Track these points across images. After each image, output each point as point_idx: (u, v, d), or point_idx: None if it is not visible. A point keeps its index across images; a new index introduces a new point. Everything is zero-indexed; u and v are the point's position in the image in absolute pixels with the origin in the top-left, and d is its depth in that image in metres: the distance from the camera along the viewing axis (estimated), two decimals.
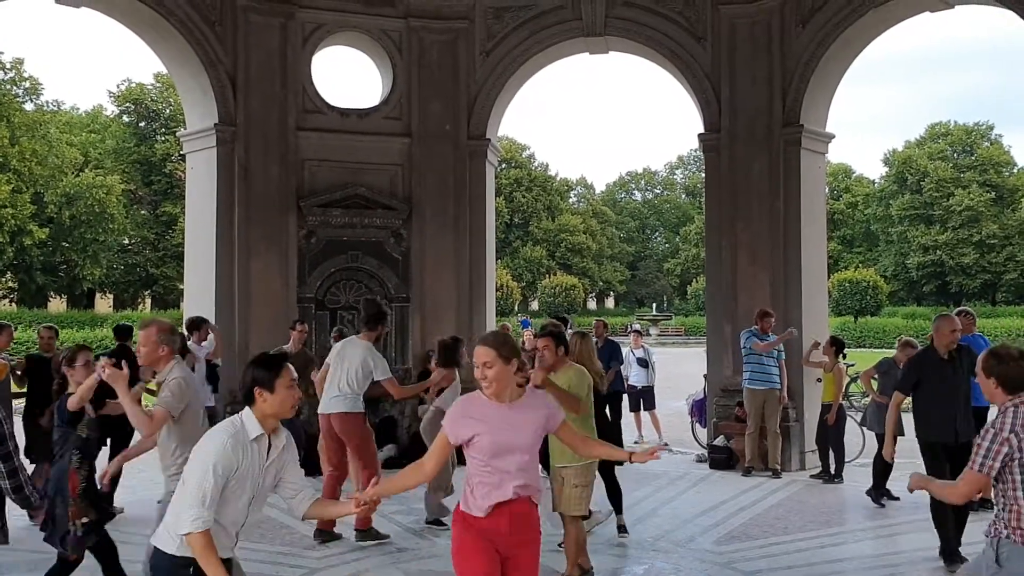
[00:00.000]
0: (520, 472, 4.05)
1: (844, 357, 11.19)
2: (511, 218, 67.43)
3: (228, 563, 3.86)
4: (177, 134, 14.16)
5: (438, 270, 12.30)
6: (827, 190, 26.93)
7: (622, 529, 7.98)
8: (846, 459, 10.75)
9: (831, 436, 10.60)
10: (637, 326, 17.71)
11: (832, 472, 10.59)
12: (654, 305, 64.83)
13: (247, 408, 3.86)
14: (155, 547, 3.91)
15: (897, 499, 9.44)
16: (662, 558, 7.44)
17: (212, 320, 10.85)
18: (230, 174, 11.43)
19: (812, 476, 10.80)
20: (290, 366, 3.95)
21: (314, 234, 11.89)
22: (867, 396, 11.28)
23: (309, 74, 12.05)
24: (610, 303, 78.67)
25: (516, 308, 56.56)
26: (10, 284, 47.40)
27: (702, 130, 12.19)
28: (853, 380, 16.12)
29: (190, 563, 3.75)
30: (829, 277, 18.09)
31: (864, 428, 10.96)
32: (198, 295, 11.75)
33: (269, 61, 11.65)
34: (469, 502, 4.07)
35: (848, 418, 11.04)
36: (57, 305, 49.52)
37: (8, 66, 44.34)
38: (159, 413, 5.02)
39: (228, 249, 11.36)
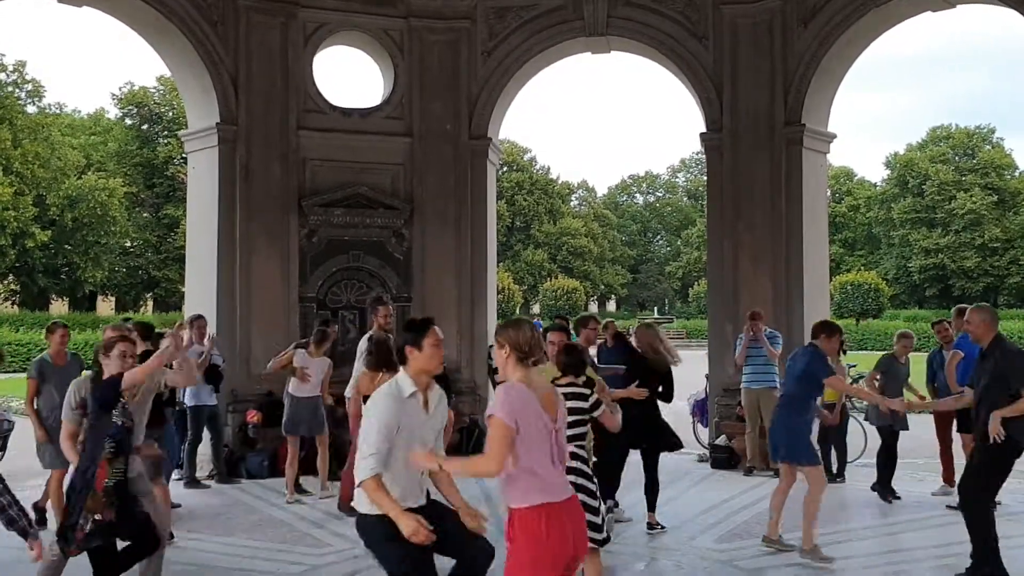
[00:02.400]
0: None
1: (844, 354, 11.16)
2: (512, 221, 67.46)
3: (422, 509, 4.34)
4: (179, 134, 14.17)
5: (439, 270, 12.30)
6: (829, 193, 26.91)
7: (651, 526, 8.10)
8: (848, 458, 10.72)
9: (833, 435, 10.58)
10: None
11: (834, 471, 10.55)
12: (656, 308, 64.84)
13: (400, 369, 4.40)
14: (356, 510, 4.42)
15: (899, 498, 9.45)
16: (663, 555, 7.43)
17: (214, 319, 10.81)
18: (231, 173, 11.42)
19: None
20: (436, 328, 4.43)
21: (315, 233, 11.88)
22: None
23: (311, 74, 12.05)
24: (612, 306, 78.65)
25: (517, 311, 56.55)
26: (12, 287, 47.47)
27: (704, 130, 12.21)
28: (855, 381, 16.09)
29: (382, 517, 4.20)
30: (831, 279, 18.07)
31: (868, 423, 10.88)
32: (199, 294, 11.73)
33: (271, 60, 11.65)
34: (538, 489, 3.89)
35: (851, 418, 11.01)
36: (59, 307, 49.57)
37: (11, 69, 44.46)
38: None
39: (229, 248, 11.34)
